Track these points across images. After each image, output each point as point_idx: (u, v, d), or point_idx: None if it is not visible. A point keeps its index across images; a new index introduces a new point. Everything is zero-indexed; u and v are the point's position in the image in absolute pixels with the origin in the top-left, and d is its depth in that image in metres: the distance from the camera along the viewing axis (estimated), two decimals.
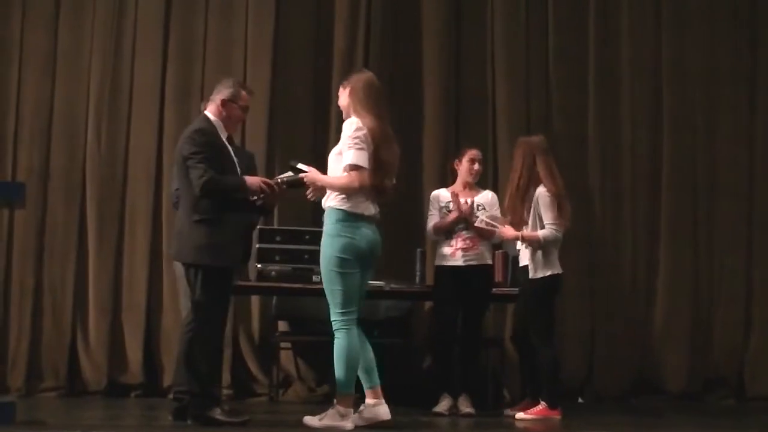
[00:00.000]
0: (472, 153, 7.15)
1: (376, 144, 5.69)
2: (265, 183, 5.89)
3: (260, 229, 7.48)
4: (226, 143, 5.96)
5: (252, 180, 5.89)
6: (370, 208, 5.74)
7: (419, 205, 8.22)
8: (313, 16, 8.47)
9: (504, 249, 7.46)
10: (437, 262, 7.05)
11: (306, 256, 7.37)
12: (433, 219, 7.10)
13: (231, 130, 6.11)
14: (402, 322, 8.11)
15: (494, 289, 7.22)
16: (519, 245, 6.82)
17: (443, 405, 6.84)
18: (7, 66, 8.11)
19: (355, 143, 5.67)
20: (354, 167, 5.64)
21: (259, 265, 7.32)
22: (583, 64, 8.70)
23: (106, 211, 8.07)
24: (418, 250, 7.66)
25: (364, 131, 5.68)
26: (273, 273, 7.30)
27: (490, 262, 7.06)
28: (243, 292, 7.56)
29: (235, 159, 5.95)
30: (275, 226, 7.93)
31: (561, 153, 8.40)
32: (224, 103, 5.96)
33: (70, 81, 8.22)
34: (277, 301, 7.99)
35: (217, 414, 5.71)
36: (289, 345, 8.05)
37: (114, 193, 8.11)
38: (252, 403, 7.57)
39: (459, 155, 7.23)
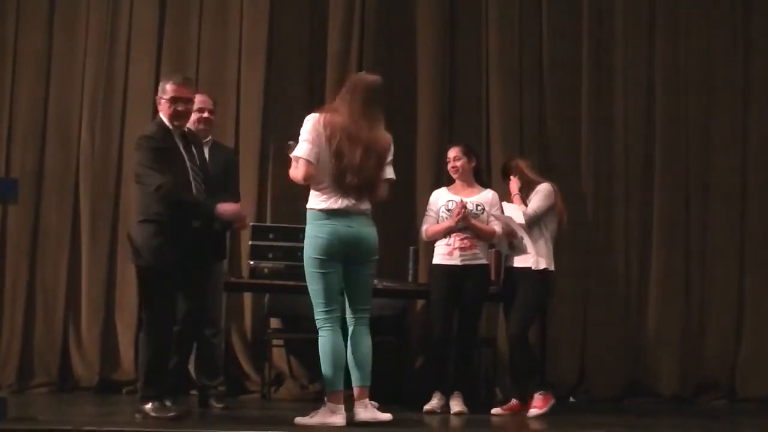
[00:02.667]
0: (449, 152, 7.16)
1: (338, 139, 5.68)
2: (236, 213, 5.93)
3: (253, 227, 7.51)
4: (178, 143, 5.88)
5: (226, 209, 5.87)
6: (339, 202, 5.72)
7: (412, 204, 8.26)
8: (307, 18, 8.49)
9: (497, 248, 7.48)
10: (434, 261, 7.05)
11: (299, 254, 7.30)
12: (429, 221, 7.08)
13: (182, 126, 5.98)
14: (395, 321, 8.10)
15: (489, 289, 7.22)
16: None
17: (435, 403, 6.84)
18: (2, 67, 8.18)
19: (302, 135, 5.72)
20: (295, 158, 5.70)
21: (251, 263, 7.32)
22: (576, 69, 8.71)
23: (99, 211, 8.09)
24: (411, 248, 7.68)
25: (315, 123, 5.72)
26: (266, 270, 7.30)
27: (486, 261, 7.07)
28: (235, 289, 7.57)
29: (187, 159, 5.87)
30: (268, 224, 7.94)
31: (554, 158, 8.47)
32: (157, 101, 5.99)
33: (64, 82, 8.25)
34: (269, 299, 7.99)
35: (148, 408, 5.73)
36: (281, 342, 8.05)
37: (107, 194, 8.12)
38: (244, 401, 7.57)
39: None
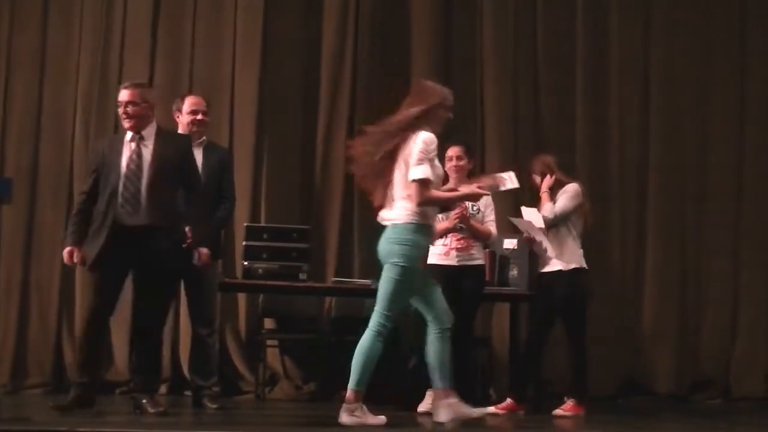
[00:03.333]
0: (450, 151, 7.08)
1: None
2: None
3: (247, 227, 7.51)
4: (119, 149, 5.93)
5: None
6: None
7: None
8: (301, 16, 8.48)
9: (491, 248, 7.48)
10: (429, 261, 6.99)
11: (293, 254, 7.36)
12: None
13: (132, 129, 5.99)
14: None
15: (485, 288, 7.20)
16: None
17: (429, 403, 6.82)
18: None
19: (428, 154, 5.67)
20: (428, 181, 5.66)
21: (245, 263, 7.31)
22: (571, 68, 8.71)
23: None
24: None
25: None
26: (260, 270, 7.29)
27: (482, 262, 7.05)
28: (229, 290, 7.56)
29: (123, 166, 5.89)
30: (262, 224, 7.94)
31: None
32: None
33: (59, 80, 8.24)
34: (263, 299, 8.00)
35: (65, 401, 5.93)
36: (275, 343, 8.05)
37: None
38: (238, 401, 7.57)
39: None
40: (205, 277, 6.64)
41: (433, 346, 5.70)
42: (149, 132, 5.98)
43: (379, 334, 5.62)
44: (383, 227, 5.70)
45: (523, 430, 6.29)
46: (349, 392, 5.58)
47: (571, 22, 8.74)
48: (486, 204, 7.00)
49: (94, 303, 5.94)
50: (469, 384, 7.22)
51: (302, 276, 7.31)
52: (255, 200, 8.19)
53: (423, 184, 5.55)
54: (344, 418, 5.56)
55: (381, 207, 5.74)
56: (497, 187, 6.00)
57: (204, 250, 6.33)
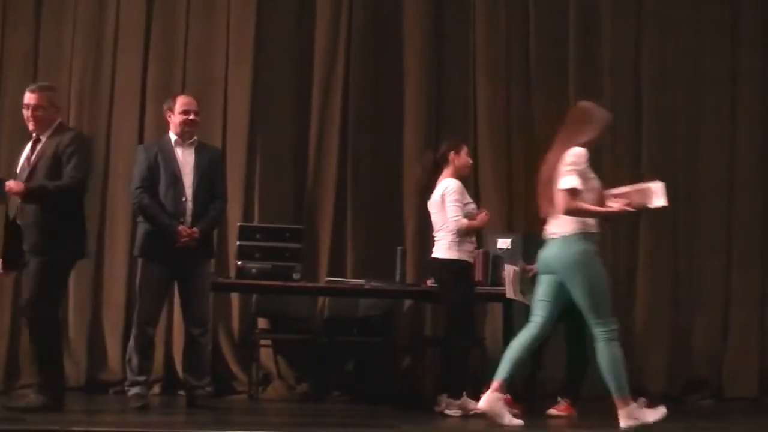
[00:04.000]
0: (467, 149, 7.08)
1: None
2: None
3: (240, 227, 7.51)
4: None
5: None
6: None
7: (399, 205, 8.30)
8: (294, 16, 8.46)
9: (485, 248, 7.49)
10: (463, 257, 6.82)
11: (286, 254, 7.36)
12: (459, 211, 6.77)
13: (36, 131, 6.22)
14: (381, 321, 8.11)
15: (477, 289, 7.18)
16: None
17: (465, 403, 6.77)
18: None
19: (578, 166, 5.86)
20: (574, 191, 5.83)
21: (239, 263, 7.31)
22: (563, 68, 8.72)
23: (86, 209, 8.03)
24: (399, 248, 7.66)
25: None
26: (253, 270, 7.29)
27: None
28: (223, 289, 7.56)
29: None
30: (256, 224, 7.94)
31: (542, 157, 8.44)
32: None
33: (51, 79, 8.13)
34: (257, 299, 7.98)
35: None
36: (269, 343, 8.02)
37: (94, 191, 8.02)
38: (231, 401, 7.55)
39: (455, 147, 7.00)
40: (197, 277, 6.65)
41: (602, 353, 5.78)
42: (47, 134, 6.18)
43: (610, 339, 5.79)
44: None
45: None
46: (617, 399, 5.77)
47: (563, 22, 8.75)
48: None
49: None
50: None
51: (296, 276, 7.31)
52: (248, 200, 8.18)
53: (570, 193, 5.71)
54: (626, 422, 5.74)
55: (544, 220, 5.92)
56: (644, 204, 6.03)
57: None
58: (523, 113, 8.63)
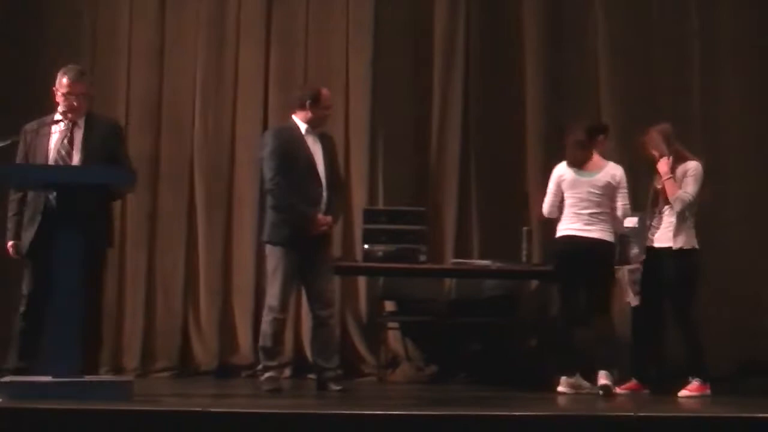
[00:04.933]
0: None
1: None
2: None
3: (365, 210, 7.60)
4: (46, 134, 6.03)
5: None
6: None
7: (523, 184, 8.28)
8: None
9: None
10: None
11: (411, 236, 7.40)
12: (553, 196, 6.88)
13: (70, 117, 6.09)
14: (506, 302, 8.10)
15: None
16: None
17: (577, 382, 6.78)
18: (117, 58, 8.30)
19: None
20: None
21: (365, 246, 7.38)
22: (686, 45, 8.53)
23: (213, 197, 8.23)
24: (524, 228, 7.64)
25: None
26: (379, 253, 7.36)
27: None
28: (349, 273, 7.64)
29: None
30: (380, 207, 8.00)
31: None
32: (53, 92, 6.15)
33: (177, 71, 8.38)
34: (383, 282, 8.04)
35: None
36: (396, 325, 8.09)
37: (221, 179, 8.25)
38: (360, 383, 7.62)
39: (603, 130, 7.06)
40: (322, 261, 6.71)
41: None
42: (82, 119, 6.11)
43: None
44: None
45: (648, 411, 6.18)
46: None
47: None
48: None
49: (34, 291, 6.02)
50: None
51: (422, 258, 7.36)
52: (372, 184, 8.24)
53: None
54: None
55: None
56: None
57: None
58: (645, 89, 8.47)
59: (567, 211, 6.84)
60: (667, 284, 6.87)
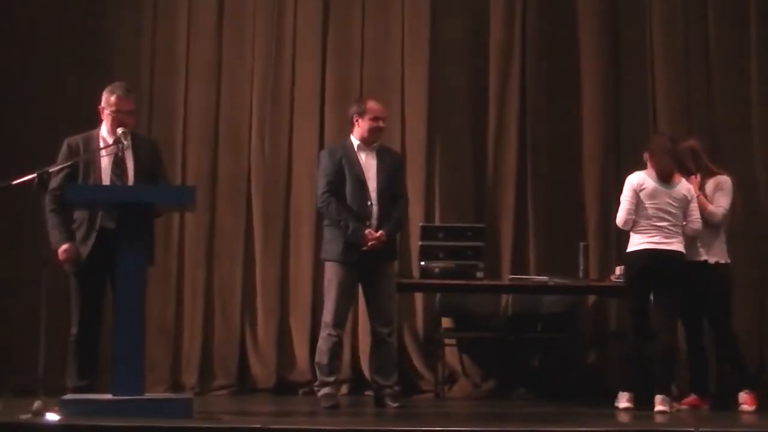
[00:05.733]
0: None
1: None
2: None
3: (422, 227, 7.60)
4: (97, 151, 6.06)
5: None
6: None
7: (580, 199, 8.25)
8: (468, 11, 8.45)
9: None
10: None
11: (469, 252, 7.39)
12: (630, 204, 6.73)
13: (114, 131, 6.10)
14: (565, 317, 8.05)
15: None
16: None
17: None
18: (175, 75, 8.36)
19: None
20: None
21: (422, 263, 7.38)
22: (744, 50, 8.43)
23: (271, 213, 8.25)
24: (581, 243, 7.59)
25: None
26: (436, 270, 7.35)
27: None
28: (407, 289, 7.63)
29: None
30: (437, 224, 7.99)
31: (721, 140, 8.21)
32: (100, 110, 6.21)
33: (234, 87, 8.43)
34: (440, 298, 8.03)
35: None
36: (453, 341, 8.07)
37: (278, 195, 8.28)
38: (418, 400, 7.62)
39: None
40: (383, 278, 6.72)
41: None
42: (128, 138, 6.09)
43: None
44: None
45: (709, 426, 6.10)
46: None
47: (743, 3, 8.45)
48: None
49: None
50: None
51: (479, 274, 7.35)
52: (429, 200, 8.23)
53: None
54: None
55: None
56: None
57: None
58: (703, 96, 8.38)
59: (643, 222, 6.70)
60: (701, 298, 6.83)
